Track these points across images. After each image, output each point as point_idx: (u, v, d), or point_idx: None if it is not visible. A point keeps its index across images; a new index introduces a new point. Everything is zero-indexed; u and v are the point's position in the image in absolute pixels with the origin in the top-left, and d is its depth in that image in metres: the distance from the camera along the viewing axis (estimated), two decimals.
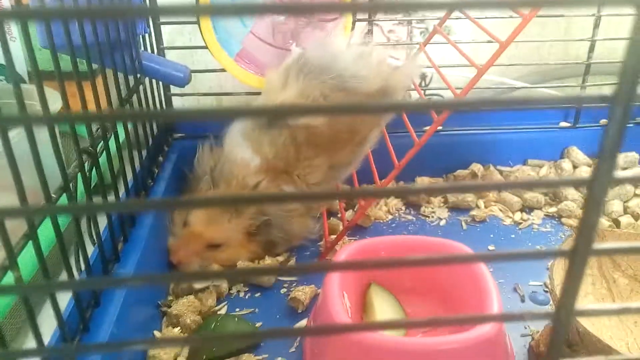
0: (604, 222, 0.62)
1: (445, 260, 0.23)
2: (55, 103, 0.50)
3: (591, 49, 0.70)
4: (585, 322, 0.44)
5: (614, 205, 0.65)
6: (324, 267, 0.22)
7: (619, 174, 0.15)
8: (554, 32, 0.84)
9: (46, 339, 0.36)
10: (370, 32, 0.70)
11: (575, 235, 0.16)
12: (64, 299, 0.39)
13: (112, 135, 0.48)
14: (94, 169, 0.43)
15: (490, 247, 0.61)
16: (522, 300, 0.53)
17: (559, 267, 0.49)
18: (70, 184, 0.37)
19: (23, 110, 0.32)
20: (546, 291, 0.54)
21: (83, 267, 0.40)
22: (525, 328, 0.50)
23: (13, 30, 0.73)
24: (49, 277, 0.32)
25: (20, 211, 0.21)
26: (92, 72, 0.44)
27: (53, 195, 0.34)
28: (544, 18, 0.82)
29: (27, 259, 0.45)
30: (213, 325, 0.48)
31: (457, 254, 0.30)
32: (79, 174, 0.39)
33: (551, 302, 0.52)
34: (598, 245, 0.16)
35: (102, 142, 0.44)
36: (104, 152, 0.45)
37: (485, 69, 0.49)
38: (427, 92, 0.92)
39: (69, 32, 0.39)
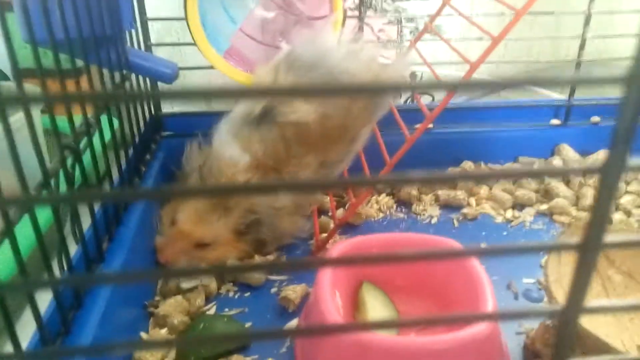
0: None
1: (441, 255, 0.22)
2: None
3: (582, 47, 0.70)
4: (562, 295, 0.43)
5: None
6: (316, 262, 0.22)
7: (634, 161, 0.15)
8: (543, 32, 0.85)
9: (25, 343, 0.34)
10: (360, 29, 0.69)
11: (586, 226, 0.16)
12: (44, 301, 0.38)
13: (97, 132, 0.46)
14: (77, 168, 0.41)
15: (483, 245, 0.61)
16: (516, 298, 0.53)
17: (554, 263, 0.48)
18: (51, 181, 0.36)
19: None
20: (540, 288, 0.54)
21: (65, 267, 0.39)
22: (519, 326, 0.49)
23: None
24: (27, 276, 0.31)
25: None
26: (76, 69, 0.43)
27: (32, 192, 0.33)
28: (533, 19, 0.82)
29: (4, 259, 0.43)
30: (202, 326, 0.47)
31: (455, 249, 0.29)
32: (61, 171, 0.38)
33: (545, 299, 0.52)
34: (610, 237, 0.15)
35: (85, 138, 0.43)
36: (88, 149, 0.44)
37: (477, 64, 0.48)
38: (417, 91, 0.92)
39: (50, 24, 0.38)
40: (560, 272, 0.48)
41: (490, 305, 0.41)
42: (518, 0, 0.50)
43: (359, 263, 0.21)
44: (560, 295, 0.46)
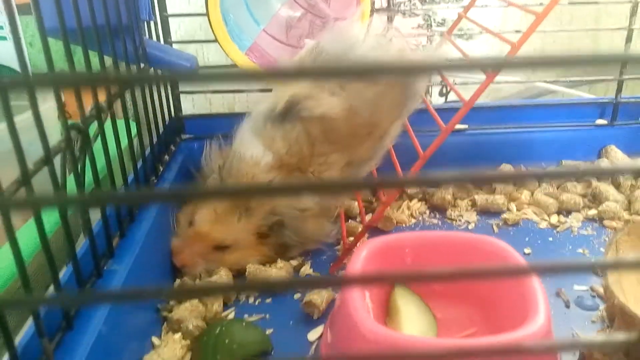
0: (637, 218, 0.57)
1: (496, 273, 0.18)
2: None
3: (628, 39, 0.65)
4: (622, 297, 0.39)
5: None
6: (342, 280, 0.18)
7: None
8: (583, 25, 0.80)
9: (18, 339, 0.31)
10: (390, 19, 0.65)
11: None
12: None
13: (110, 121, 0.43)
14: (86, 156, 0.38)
15: (527, 250, 0.55)
16: (567, 306, 0.47)
17: None
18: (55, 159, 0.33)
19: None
20: (593, 296, 0.48)
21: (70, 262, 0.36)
22: (574, 335, 0.43)
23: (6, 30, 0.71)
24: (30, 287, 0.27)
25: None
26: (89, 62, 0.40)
27: (30, 167, 0.30)
28: (572, 12, 0.78)
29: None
30: (218, 331, 0.42)
31: (515, 266, 0.25)
32: (65, 152, 0.35)
33: (603, 304, 0.46)
34: None
35: (95, 122, 0.40)
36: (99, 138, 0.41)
37: (520, 44, 0.44)
38: (450, 72, 0.88)
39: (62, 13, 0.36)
40: (619, 272, 0.43)
41: (543, 314, 0.36)
42: None
43: (391, 280, 0.17)
44: (622, 297, 0.40)
